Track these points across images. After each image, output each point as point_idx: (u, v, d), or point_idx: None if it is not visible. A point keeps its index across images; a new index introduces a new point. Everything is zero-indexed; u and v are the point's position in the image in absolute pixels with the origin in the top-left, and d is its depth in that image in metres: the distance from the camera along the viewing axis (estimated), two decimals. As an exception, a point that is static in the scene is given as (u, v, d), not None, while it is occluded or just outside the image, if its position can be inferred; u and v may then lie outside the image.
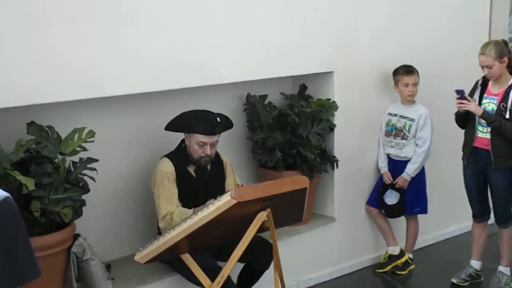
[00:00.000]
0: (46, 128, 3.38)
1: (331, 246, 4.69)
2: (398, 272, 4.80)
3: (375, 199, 4.81)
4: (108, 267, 3.75)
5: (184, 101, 4.04)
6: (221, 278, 3.32)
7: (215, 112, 3.85)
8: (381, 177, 4.81)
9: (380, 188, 4.78)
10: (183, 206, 3.72)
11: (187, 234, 3.19)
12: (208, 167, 3.87)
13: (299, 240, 4.45)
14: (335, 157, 4.55)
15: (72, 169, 3.45)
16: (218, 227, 3.27)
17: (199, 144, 3.71)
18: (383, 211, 4.82)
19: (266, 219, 3.33)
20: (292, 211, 3.64)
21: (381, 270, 4.83)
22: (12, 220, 1.60)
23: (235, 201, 3.11)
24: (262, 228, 3.36)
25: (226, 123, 3.86)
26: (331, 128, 4.55)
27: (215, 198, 3.22)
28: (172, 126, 3.79)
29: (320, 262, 4.63)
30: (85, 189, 3.45)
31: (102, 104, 3.75)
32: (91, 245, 3.57)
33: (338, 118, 4.59)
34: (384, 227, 4.85)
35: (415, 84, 4.70)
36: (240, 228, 3.33)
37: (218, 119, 3.76)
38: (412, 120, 4.70)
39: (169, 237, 3.21)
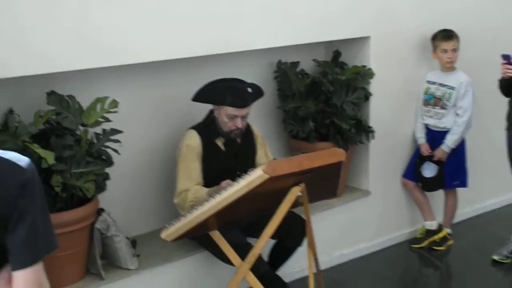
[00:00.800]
0: (66, 98, 3.23)
1: (365, 220, 4.55)
2: (435, 248, 4.63)
3: (412, 172, 4.64)
4: (133, 243, 3.64)
5: (212, 69, 3.88)
6: (252, 257, 3.20)
7: (245, 81, 3.66)
8: (418, 149, 4.62)
9: (417, 160, 4.60)
10: (210, 181, 3.58)
11: (216, 210, 3.06)
12: (238, 139, 3.70)
13: (332, 215, 4.32)
14: (371, 127, 4.37)
15: (95, 141, 3.31)
16: (249, 202, 3.14)
17: (229, 117, 3.55)
18: (420, 184, 4.65)
19: (300, 194, 3.18)
20: (326, 185, 3.50)
21: (418, 246, 4.67)
22: (40, 185, 1.59)
23: (268, 176, 2.96)
24: (295, 203, 3.23)
25: (257, 93, 3.68)
26: (367, 96, 4.36)
27: (245, 173, 3.06)
28: (200, 97, 3.62)
29: (354, 237, 4.50)
30: (109, 162, 3.32)
31: (124, 73, 3.61)
32: (115, 221, 3.45)
33: (374, 87, 4.40)
34: (421, 201, 4.68)
35: (455, 50, 4.47)
36: (272, 204, 3.19)
37: (249, 90, 3.59)
38: (452, 88, 4.49)
39: (197, 214, 3.08)
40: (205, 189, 3.51)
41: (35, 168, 1.55)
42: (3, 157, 1.53)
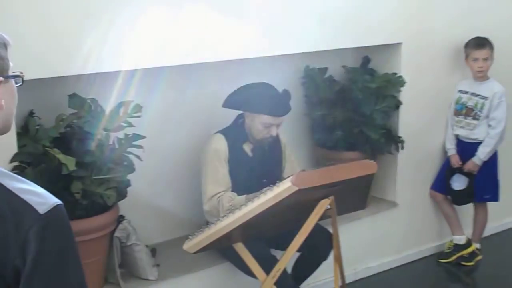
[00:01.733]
0: (89, 101, 3.14)
1: (391, 233, 4.43)
2: (463, 263, 4.49)
3: (441, 184, 4.51)
4: (153, 251, 3.55)
5: (238, 73, 3.77)
6: (276, 271, 3.11)
7: (273, 85, 3.56)
8: (448, 160, 4.48)
9: (447, 172, 4.47)
10: (235, 188, 3.48)
11: (242, 222, 2.95)
12: (266, 146, 3.60)
13: (357, 227, 4.19)
14: (400, 137, 4.24)
15: (117, 146, 3.20)
16: (275, 215, 3.04)
17: (265, 125, 3.44)
18: (449, 197, 4.52)
19: (329, 207, 3.08)
20: (356, 198, 3.40)
21: (445, 260, 4.54)
22: (61, 235, 1.33)
23: (296, 188, 2.86)
24: (322, 215, 3.12)
25: (289, 102, 3.57)
26: (397, 105, 4.23)
27: (273, 184, 2.96)
28: (233, 103, 3.50)
29: (380, 250, 4.38)
30: (130, 168, 3.21)
31: (147, 76, 3.51)
32: (135, 228, 3.36)
33: (404, 95, 4.26)
34: (450, 214, 4.55)
35: (487, 59, 4.32)
36: (299, 217, 3.09)
37: (286, 98, 3.51)
38: (485, 98, 4.34)
39: (222, 225, 2.97)
40: (242, 197, 3.38)
41: (61, 215, 1.31)
42: (21, 198, 1.31)
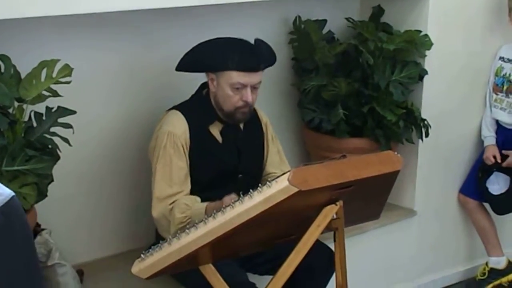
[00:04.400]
0: None
1: (407, 251, 4.58)
2: (502, 295, 4.68)
3: (474, 186, 4.66)
4: (79, 273, 3.54)
5: (201, 27, 3.87)
6: None
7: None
8: (483, 153, 4.62)
9: (481, 169, 4.60)
10: (201, 188, 3.51)
11: (216, 236, 2.90)
12: (241, 126, 3.65)
13: (363, 241, 4.30)
14: (425, 120, 4.30)
15: (35, 124, 3.20)
16: (261, 226, 2.99)
17: (234, 87, 3.47)
18: (485, 203, 4.66)
19: (335, 216, 3.07)
20: (370, 204, 3.41)
21: None
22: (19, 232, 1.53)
23: (296, 189, 2.80)
24: (326, 227, 3.10)
25: (269, 55, 3.64)
26: (421, 76, 4.31)
27: (252, 181, 3.07)
28: (188, 63, 3.55)
29: (391, 275, 4.53)
30: (54, 156, 3.21)
31: (80, 28, 3.57)
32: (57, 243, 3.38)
33: (429, 62, 4.38)
34: (486, 227, 4.70)
35: (537, 14, 4.51)
36: (293, 229, 3.08)
37: (260, 48, 3.57)
38: (536, 69, 4.54)
39: (188, 240, 2.92)
40: (201, 204, 3.42)
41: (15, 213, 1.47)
42: None
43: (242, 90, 3.48)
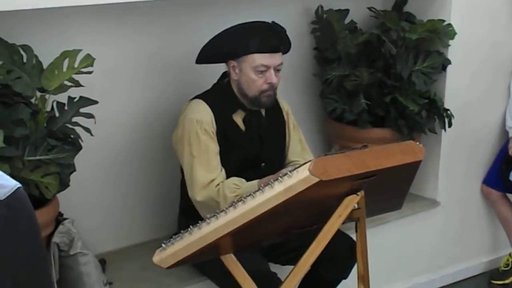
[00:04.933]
0: (20, 50, 3.20)
1: (430, 241, 4.59)
2: (525, 287, 4.68)
3: (498, 177, 4.65)
4: (102, 262, 3.59)
5: (222, 16, 3.87)
6: None
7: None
8: (507, 144, 4.61)
9: (505, 160, 4.58)
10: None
11: (237, 226, 2.91)
12: (263, 113, 3.66)
13: (385, 232, 4.31)
14: (448, 110, 4.30)
15: (57, 114, 3.23)
16: (282, 216, 3.02)
17: (258, 70, 3.50)
18: (509, 194, 4.65)
19: (357, 206, 3.08)
20: (392, 194, 3.41)
21: (501, 282, 4.72)
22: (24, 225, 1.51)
23: (317, 179, 2.81)
24: (347, 218, 3.12)
25: (286, 36, 3.66)
26: (444, 65, 4.31)
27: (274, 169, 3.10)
28: (208, 54, 3.58)
29: (414, 266, 4.54)
30: (76, 146, 3.23)
31: (99, 16, 3.60)
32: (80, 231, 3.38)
33: (453, 52, 4.38)
34: (509, 218, 4.71)
35: None
36: (315, 219, 3.09)
37: (277, 28, 3.61)
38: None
39: (209, 230, 2.94)
40: (250, 182, 3.45)
41: (20, 205, 1.46)
42: None
43: (265, 72, 3.51)
